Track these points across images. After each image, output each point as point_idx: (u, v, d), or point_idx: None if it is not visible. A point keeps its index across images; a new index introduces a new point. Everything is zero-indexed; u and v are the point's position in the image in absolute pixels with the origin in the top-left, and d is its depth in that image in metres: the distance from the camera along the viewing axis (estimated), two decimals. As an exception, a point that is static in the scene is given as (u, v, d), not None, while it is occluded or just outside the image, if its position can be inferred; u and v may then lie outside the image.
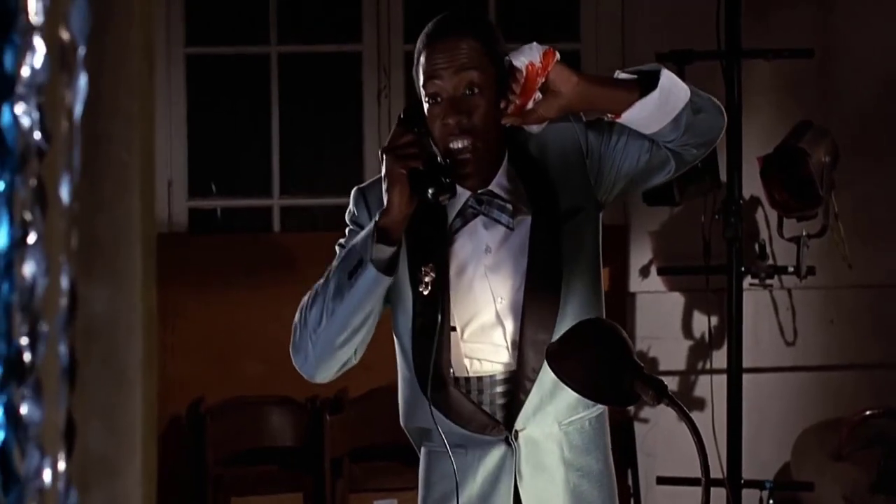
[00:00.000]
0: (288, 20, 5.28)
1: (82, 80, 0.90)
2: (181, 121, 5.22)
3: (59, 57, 0.89)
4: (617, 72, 2.62)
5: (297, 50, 5.32)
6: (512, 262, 2.64)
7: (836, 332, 5.22)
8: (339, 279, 2.55)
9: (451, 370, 2.63)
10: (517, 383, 2.63)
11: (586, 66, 5.13)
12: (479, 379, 2.66)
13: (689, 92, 2.56)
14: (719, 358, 4.93)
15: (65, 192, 0.90)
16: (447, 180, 2.51)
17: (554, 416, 2.64)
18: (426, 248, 2.63)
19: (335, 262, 2.60)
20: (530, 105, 2.52)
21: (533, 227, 2.65)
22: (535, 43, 2.52)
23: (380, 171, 2.56)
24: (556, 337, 2.55)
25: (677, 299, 5.20)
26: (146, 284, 1.03)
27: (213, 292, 5.08)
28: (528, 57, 2.49)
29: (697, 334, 5.19)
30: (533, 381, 2.61)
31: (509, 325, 2.64)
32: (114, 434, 1.02)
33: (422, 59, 2.61)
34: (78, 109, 0.90)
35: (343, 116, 5.30)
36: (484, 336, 2.65)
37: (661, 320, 5.20)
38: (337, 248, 2.68)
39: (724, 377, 4.65)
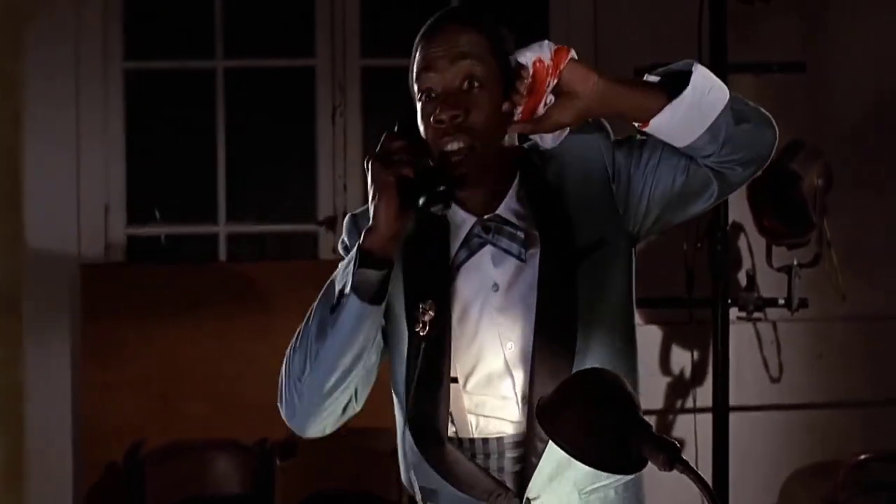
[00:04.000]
0: (235, 32, 5.12)
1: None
2: (119, 141, 5.02)
3: None
4: (646, 75, 2.28)
5: (245, 64, 5.14)
6: (524, 302, 2.31)
7: (824, 368, 5.05)
8: (322, 316, 2.23)
9: (454, 428, 2.31)
10: (529, 444, 2.29)
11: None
12: (486, 441, 2.33)
13: (727, 94, 2.23)
14: (701, 395, 4.78)
15: None
16: (440, 189, 2.19)
17: (573, 483, 2.31)
18: (426, 282, 2.30)
19: (317, 299, 2.28)
20: (541, 109, 2.20)
21: (542, 262, 2.31)
22: (546, 40, 2.20)
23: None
24: None
25: (654, 333, 4.98)
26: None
27: (153, 327, 4.87)
28: (536, 53, 2.18)
29: (676, 370, 5.00)
30: (546, 443, 2.26)
31: (519, 376, 2.30)
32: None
33: (416, 55, 2.30)
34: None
35: (295, 136, 5.14)
36: (490, 388, 2.31)
37: (638, 355, 4.88)
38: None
39: (705, 416, 4.53)
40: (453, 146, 2.24)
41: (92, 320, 4.78)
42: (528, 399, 2.28)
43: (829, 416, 5.03)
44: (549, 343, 2.28)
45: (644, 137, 2.33)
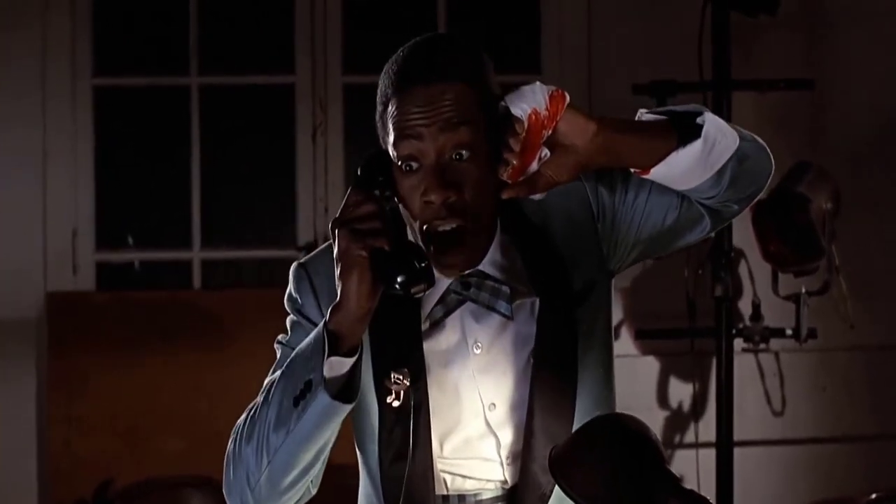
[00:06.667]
0: (210, 47, 5.06)
1: None
2: (88, 161, 4.95)
3: None
4: (640, 111, 2.07)
5: (221, 81, 5.08)
6: (509, 360, 2.11)
7: (828, 401, 4.96)
8: (282, 406, 1.99)
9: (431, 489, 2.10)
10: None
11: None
12: (462, 498, 2.12)
13: (737, 138, 2.03)
14: (702, 430, 4.77)
15: None
16: (422, 265, 1.95)
17: None
18: (396, 347, 2.08)
19: (276, 376, 2.03)
20: (534, 167, 1.97)
21: (541, 314, 2.10)
22: (538, 83, 1.97)
23: (330, 242, 2.00)
24: None
25: (652, 364, 4.89)
26: None
27: (123, 358, 4.78)
28: (530, 103, 1.94)
29: (675, 403, 4.90)
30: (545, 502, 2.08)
31: (505, 437, 2.10)
32: None
33: (391, 107, 2.04)
34: None
35: (273, 157, 5.08)
36: (469, 451, 2.11)
37: (633, 388, 4.86)
38: (276, 348, 2.13)
39: (706, 451, 4.52)
40: (445, 227, 2.02)
41: (58, 351, 4.70)
42: (520, 460, 2.09)
43: (833, 451, 4.96)
44: (546, 400, 2.10)
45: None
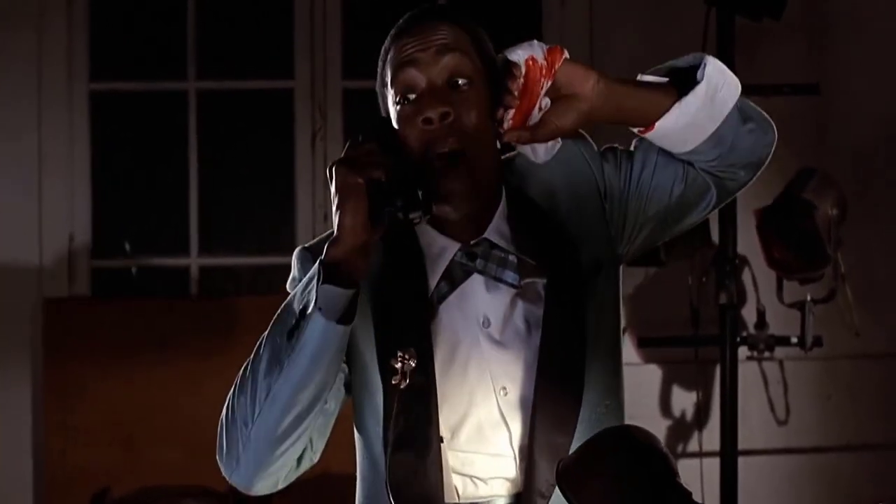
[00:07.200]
0: (208, 52, 5.06)
1: None
2: (84, 166, 4.94)
3: None
4: (640, 75, 2.06)
5: (219, 86, 5.07)
6: (520, 339, 2.05)
7: (833, 409, 4.93)
8: (274, 345, 1.94)
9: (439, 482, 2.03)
10: None
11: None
12: None
13: (739, 87, 2.02)
14: (705, 438, 4.75)
15: None
16: (420, 192, 1.92)
17: None
18: (401, 325, 2.02)
19: (266, 331, 1.99)
20: (535, 115, 1.95)
21: (549, 292, 2.04)
22: (535, 40, 1.98)
23: (331, 231, 1.96)
24: (576, 442, 1.99)
25: (655, 372, 4.86)
26: None
27: (120, 366, 4.77)
28: (527, 51, 1.95)
29: (678, 412, 4.87)
30: (547, 500, 2.02)
31: (517, 428, 2.04)
32: None
33: (389, 55, 2.04)
34: None
35: (272, 162, 5.07)
36: (482, 442, 2.04)
37: (635, 396, 4.71)
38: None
39: (706, 460, 4.52)
40: (444, 148, 1.98)
41: (54, 359, 4.68)
42: (526, 452, 2.03)
43: (838, 460, 4.94)
44: (552, 388, 2.04)
45: (631, 148, 2.14)
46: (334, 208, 1.92)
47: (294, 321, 1.92)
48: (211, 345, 4.70)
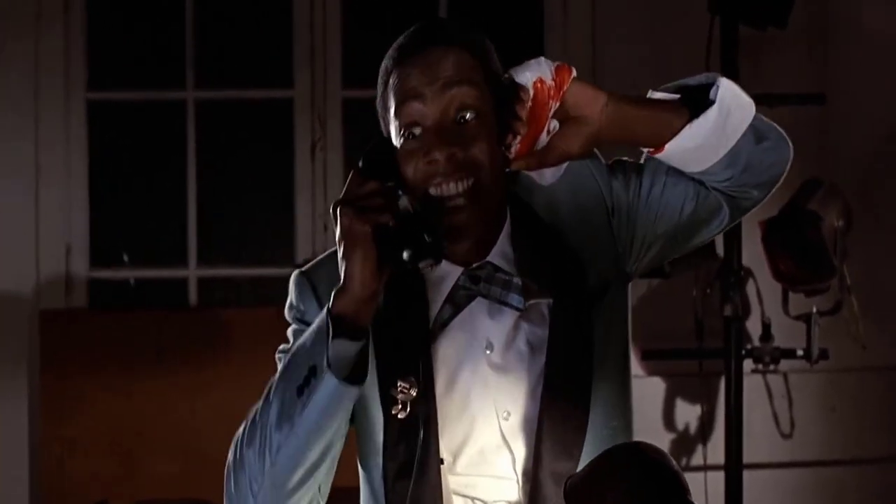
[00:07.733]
0: (207, 61, 5.05)
1: None
2: (82, 177, 4.93)
3: None
4: (650, 91, 2.00)
5: (218, 96, 5.05)
6: (524, 363, 2.01)
7: (838, 422, 4.91)
8: (284, 399, 1.90)
9: None
10: None
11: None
12: None
13: (753, 107, 1.96)
14: (710, 452, 4.72)
15: None
16: (430, 238, 1.86)
17: None
18: (402, 353, 1.97)
19: (276, 377, 1.94)
20: (544, 139, 1.90)
21: (554, 314, 2.00)
22: (542, 58, 1.90)
23: (332, 237, 1.89)
24: (581, 464, 1.96)
25: (658, 385, 4.83)
26: None
27: (118, 378, 4.75)
28: (535, 73, 1.88)
29: (682, 425, 4.84)
30: None
31: (520, 451, 2.00)
32: None
33: (391, 79, 1.97)
34: None
35: (271, 172, 5.06)
36: (484, 466, 2.01)
37: (639, 409, 4.71)
38: (277, 359, 2.02)
39: (710, 474, 4.49)
40: (450, 189, 1.94)
41: (51, 371, 4.67)
42: (531, 476, 1.99)
43: (843, 474, 4.92)
44: (557, 411, 2.00)
45: (641, 161, 2.09)
46: (340, 254, 1.88)
47: (305, 377, 1.89)
48: (209, 356, 4.69)
